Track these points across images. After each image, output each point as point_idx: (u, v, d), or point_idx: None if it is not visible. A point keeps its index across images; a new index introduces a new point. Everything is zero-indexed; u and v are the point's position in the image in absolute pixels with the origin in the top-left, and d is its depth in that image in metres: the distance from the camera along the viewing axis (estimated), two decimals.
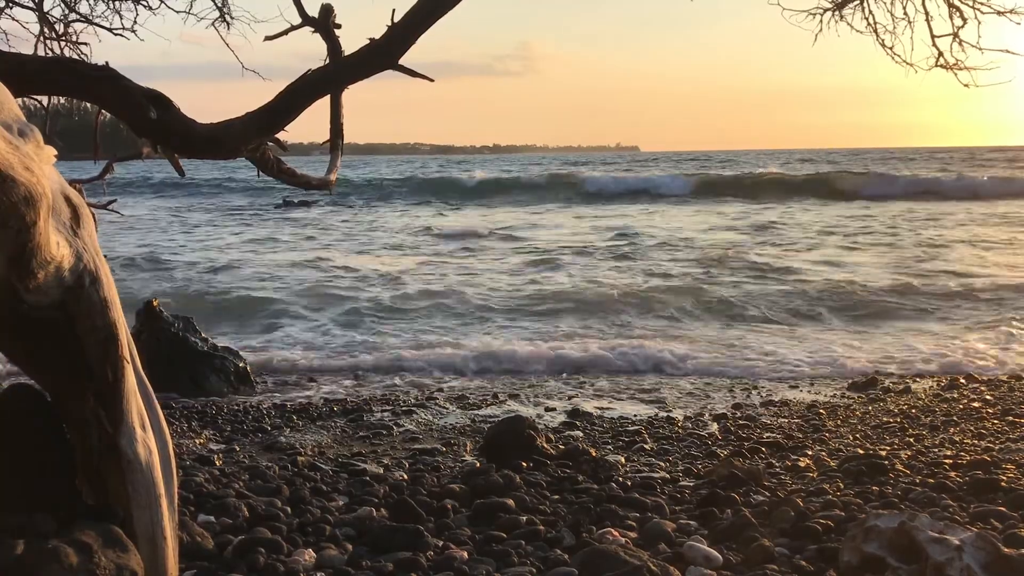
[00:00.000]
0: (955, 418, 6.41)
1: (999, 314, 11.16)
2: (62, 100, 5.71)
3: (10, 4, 5.89)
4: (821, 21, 5.81)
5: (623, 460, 5.43)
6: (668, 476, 5.07)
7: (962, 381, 7.73)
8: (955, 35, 5.44)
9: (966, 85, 5.45)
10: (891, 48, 5.66)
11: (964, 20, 5.38)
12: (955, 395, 7.20)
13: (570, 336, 10.31)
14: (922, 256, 16.73)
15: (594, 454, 5.32)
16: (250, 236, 23.53)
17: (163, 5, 6.12)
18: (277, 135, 4.17)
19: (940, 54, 5.51)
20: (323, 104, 4.35)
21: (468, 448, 5.90)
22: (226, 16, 6.08)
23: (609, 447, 5.86)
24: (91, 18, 6.11)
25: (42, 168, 2.23)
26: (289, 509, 4.35)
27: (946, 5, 5.42)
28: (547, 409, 7.09)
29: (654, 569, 3.32)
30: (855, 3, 5.73)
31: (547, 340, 10.04)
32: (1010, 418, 6.29)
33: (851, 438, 5.96)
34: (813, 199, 33.08)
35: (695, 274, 15.00)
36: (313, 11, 4.46)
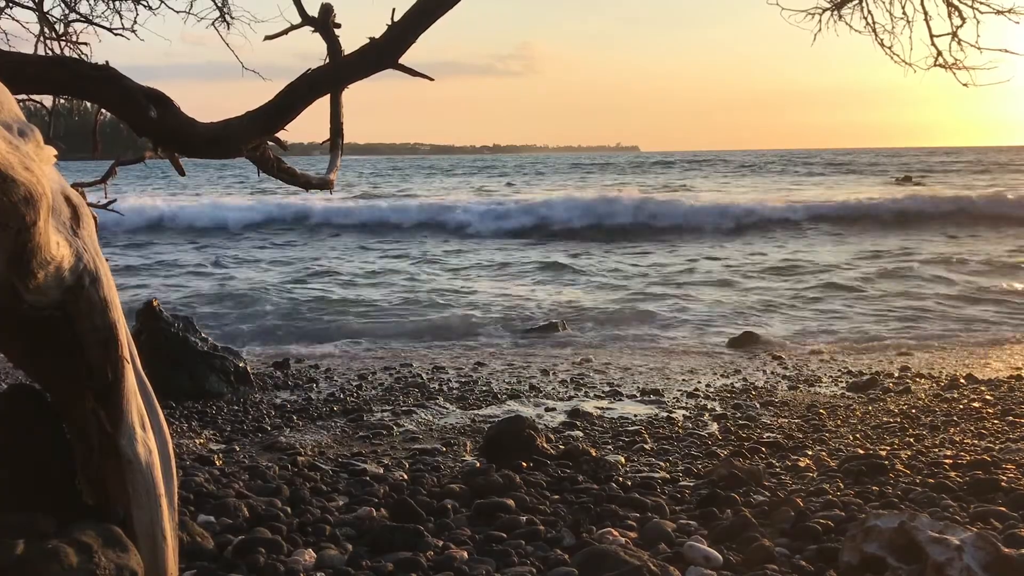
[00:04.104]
0: (955, 418, 6.40)
1: None
2: (62, 100, 5.71)
3: (10, 4, 5.89)
4: (820, 21, 5.82)
5: (623, 460, 5.43)
6: (668, 476, 5.07)
7: (962, 381, 7.73)
8: (954, 34, 5.45)
9: (965, 85, 5.46)
10: (890, 48, 5.67)
11: (963, 19, 5.39)
12: (955, 395, 7.20)
13: None
14: None
15: (594, 454, 5.32)
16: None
17: (163, 5, 6.13)
18: (277, 134, 4.17)
19: (939, 54, 5.52)
20: (323, 103, 4.36)
21: (468, 448, 5.90)
22: (226, 16, 6.08)
23: (609, 447, 5.86)
24: (91, 18, 6.12)
25: (42, 168, 2.23)
26: (289, 509, 4.35)
27: (945, 5, 5.43)
28: (547, 409, 7.09)
29: (654, 569, 3.32)
30: (854, 3, 5.73)
31: None
32: (1010, 418, 6.29)
33: (851, 438, 5.96)
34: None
35: None
36: (313, 11, 4.47)
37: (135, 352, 2.80)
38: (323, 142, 4.84)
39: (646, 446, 5.83)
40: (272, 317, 12.00)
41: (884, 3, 5.64)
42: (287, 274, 16.97)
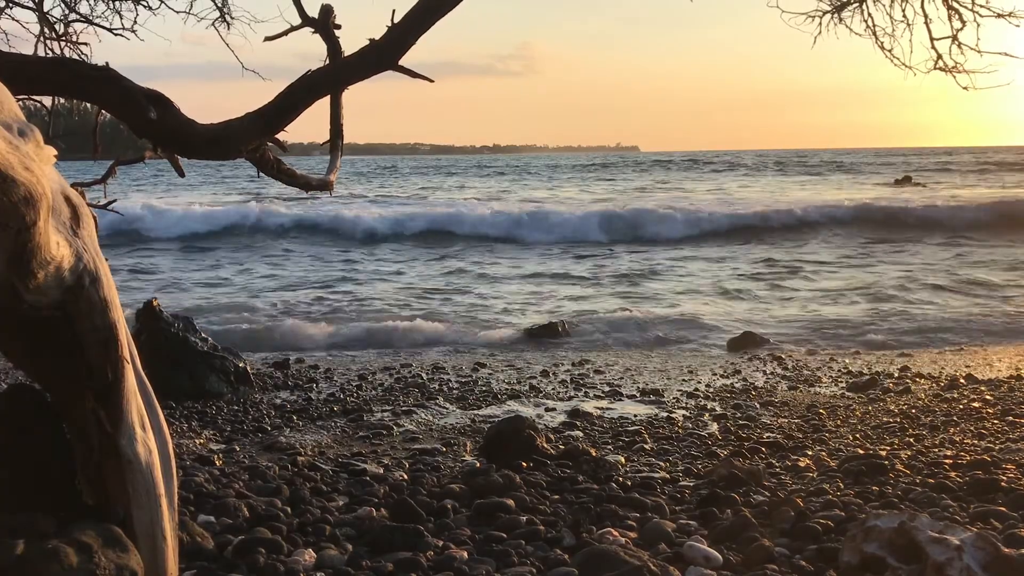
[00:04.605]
0: (955, 418, 6.41)
1: None
2: (62, 100, 5.71)
3: (10, 4, 5.89)
4: (820, 23, 5.82)
5: (623, 460, 5.43)
6: (668, 476, 5.07)
7: (962, 381, 7.74)
8: (954, 38, 5.45)
9: (965, 88, 5.46)
10: (890, 51, 5.67)
11: (963, 23, 5.39)
12: (955, 395, 7.20)
13: None
14: None
15: (594, 454, 5.31)
16: None
17: (163, 5, 6.13)
18: (277, 135, 4.17)
19: (939, 56, 5.52)
20: (323, 104, 4.36)
21: (468, 448, 5.90)
22: (226, 16, 6.09)
23: (609, 447, 5.86)
24: (91, 18, 6.12)
25: (42, 168, 2.23)
26: (289, 509, 4.35)
27: (945, 8, 5.43)
28: (547, 409, 7.09)
29: (654, 569, 3.32)
30: (854, 5, 5.74)
31: None
32: (1010, 418, 6.29)
33: (851, 438, 5.96)
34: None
35: None
36: (313, 11, 4.47)
37: (135, 352, 2.80)
38: (323, 143, 4.84)
39: (646, 446, 5.83)
40: (270, 320, 12.00)
41: (884, 6, 5.64)
42: (283, 278, 16.98)
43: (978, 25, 5.34)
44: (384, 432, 6.36)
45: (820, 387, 7.82)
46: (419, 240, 23.63)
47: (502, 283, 15.75)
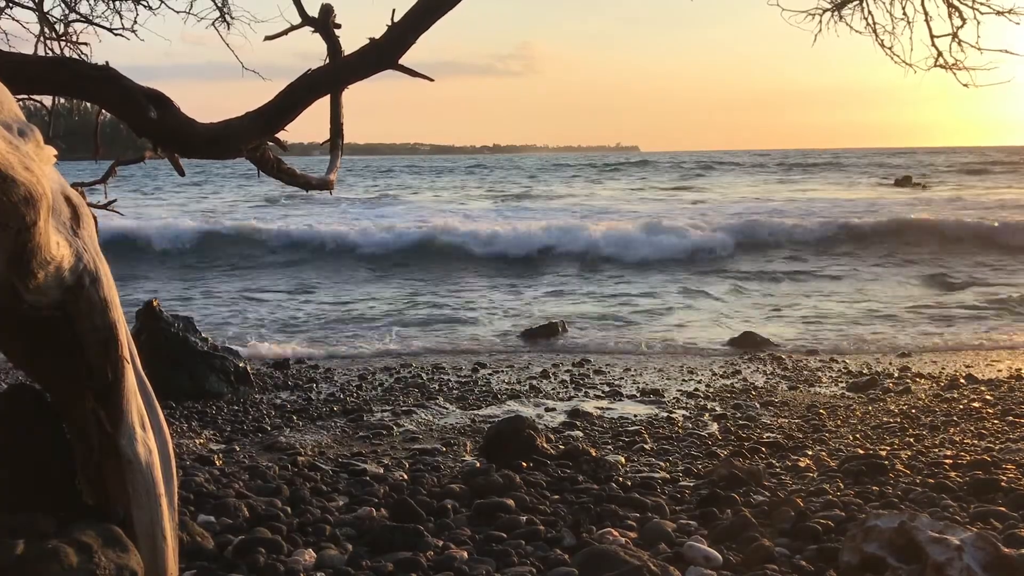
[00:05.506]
0: (955, 418, 6.41)
1: None
2: (62, 100, 5.71)
3: (10, 4, 5.89)
4: (820, 22, 5.82)
5: (623, 460, 5.43)
6: (668, 476, 5.07)
7: (962, 381, 7.73)
8: (954, 35, 5.44)
9: (965, 85, 5.46)
10: (890, 48, 5.67)
11: (963, 20, 5.38)
12: (955, 395, 7.20)
13: None
14: None
15: (594, 454, 5.31)
16: None
17: (163, 5, 6.12)
18: (277, 135, 4.17)
19: (939, 54, 5.51)
20: (323, 104, 4.35)
21: (468, 448, 5.90)
22: (226, 16, 6.08)
23: (609, 447, 5.86)
24: (91, 18, 6.11)
25: (42, 168, 2.23)
26: (289, 509, 4.35)
27: (945, 5, 5.42)
28: (547, 409, 7.09)
29: (654, 569, 3.32)
30: (854, 3, 5.73)
31: None
32: (1010, 418, 6.29)
33: (851, 438, 5.96)
34: None
35: None
36: (313, 11, 4.47)
37: (135, 352, 2.80)
38: (323, 142, 4.83)
39: (646, 446, 5.83)
40: (270, 324, 12.00)
41: (884, 4, 5.64)
42: (280, 286, 16.91)
43: (978, 22, 5.34)
44: (384, 432, 6.36)
45: (820, 387, 7.82)
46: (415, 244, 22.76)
47: (502, 289, 15.72)
